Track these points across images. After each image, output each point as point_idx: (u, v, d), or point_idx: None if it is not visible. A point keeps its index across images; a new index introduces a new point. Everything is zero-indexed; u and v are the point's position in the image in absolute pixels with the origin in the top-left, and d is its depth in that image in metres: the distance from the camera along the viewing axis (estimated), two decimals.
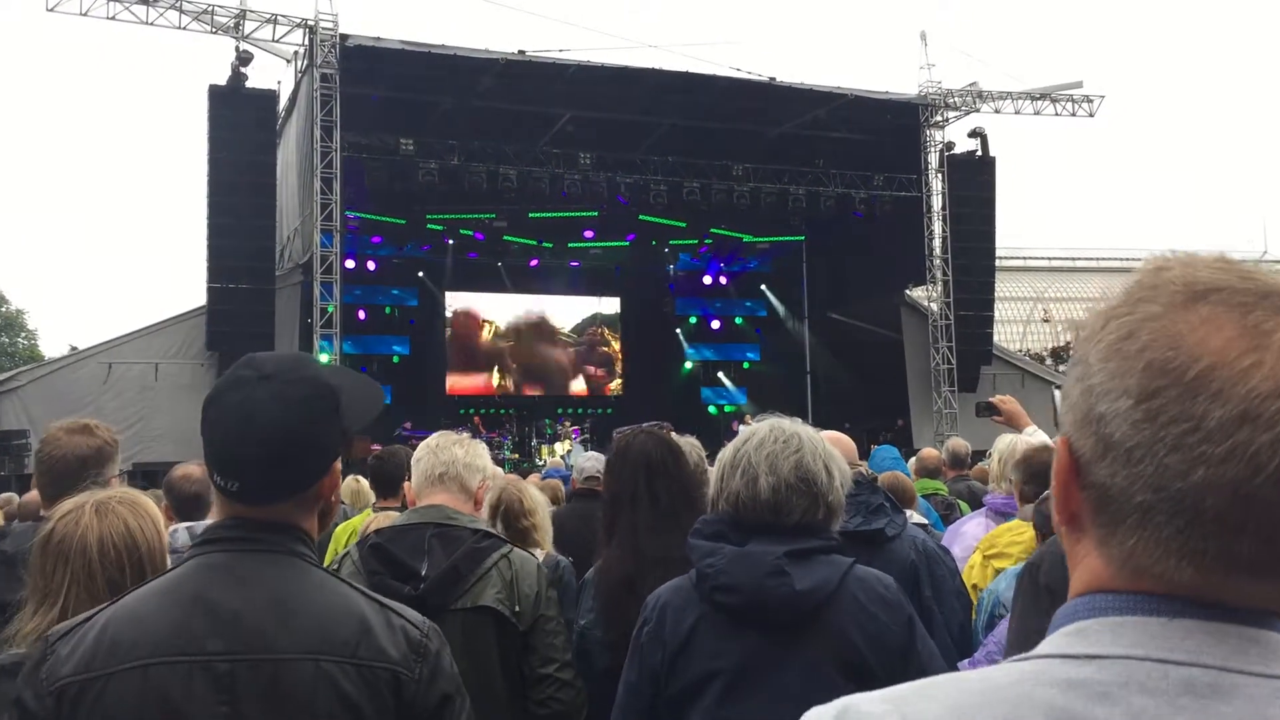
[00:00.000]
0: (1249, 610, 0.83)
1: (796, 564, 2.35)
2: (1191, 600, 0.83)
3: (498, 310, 28.94)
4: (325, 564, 1.97)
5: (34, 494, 5.59)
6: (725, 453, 2.55)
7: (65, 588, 2.18)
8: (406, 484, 3.47)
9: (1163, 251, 0.91)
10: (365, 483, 7.02)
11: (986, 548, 4.15)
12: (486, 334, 28.85)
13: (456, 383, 28.41)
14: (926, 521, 5.49)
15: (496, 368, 28.89)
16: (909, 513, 5.40)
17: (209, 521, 4.25)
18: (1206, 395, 0.79)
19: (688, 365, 31.33)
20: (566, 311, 29.82)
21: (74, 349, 24.10)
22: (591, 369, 30.01)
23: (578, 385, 29.84)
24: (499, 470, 6.44)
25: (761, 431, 2.52)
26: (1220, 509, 0.79)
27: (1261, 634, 0.82)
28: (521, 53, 19.95)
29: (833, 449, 2.56)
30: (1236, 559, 0.81)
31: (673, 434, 3.81)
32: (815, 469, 2.44)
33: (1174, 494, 0.80)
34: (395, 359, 27.43)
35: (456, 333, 28.50)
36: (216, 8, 18.99)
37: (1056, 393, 0.96)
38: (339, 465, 1.87)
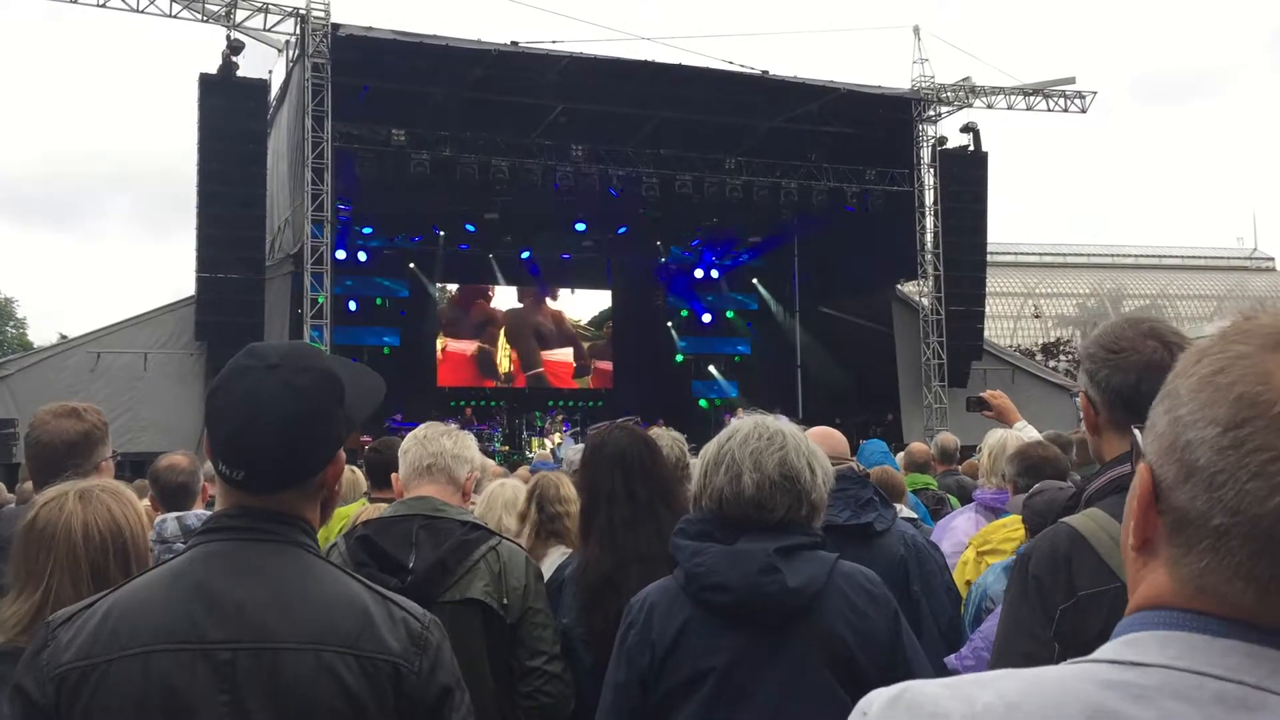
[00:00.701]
0: None
1: (786, 560, 2.34)
2: (1241, 622, 0.89)
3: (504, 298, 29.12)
4: None
5: (30, 483, 5.56)
6: (708, 450, 2.54)
7: (48, 574, 2.17)
8: (395, 475, 3.45)
9: (1255, 303, 0.99)
10: (359, 473, 7.01)
11: (980, 544, 4.14)
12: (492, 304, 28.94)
13: (448, 345, 28.42)
14: (915, 516, 5.50)
15: (492, 345, 28.89)
16: (898, 507, 5.41)
17: (198, 511, 4.25)
18: None
19: (678, 358, 31.34)
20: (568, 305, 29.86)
21: (63, 337, 24.01)
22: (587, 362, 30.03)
23: (568, 377, 29.83)
24: (488, 461, 6.45)
25: (745, 428, 2.52)
26: None
27: None
28: (514, 44, 19.92)
29: (815, 446, 2.56)
30: None
31: (658, 428, 3.80)
32: (799, 466, 2.44)
33: (1250, 518, 0.86)
34: (385, 350, 27.38)
35: (457, 300, 28.57)
36: None
37: (1137, 431, 1.01)
38: (343, 455, 1.87)
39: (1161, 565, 0.94)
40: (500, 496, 4.37)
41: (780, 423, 2.55)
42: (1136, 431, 1.02)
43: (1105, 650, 0.95)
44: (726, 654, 2.34)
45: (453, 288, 28.70)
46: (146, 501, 6.60)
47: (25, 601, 2.16)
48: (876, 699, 0.99)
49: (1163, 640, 0.92)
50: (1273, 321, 0.92)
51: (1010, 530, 4.01)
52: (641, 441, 3.36)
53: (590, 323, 30.15)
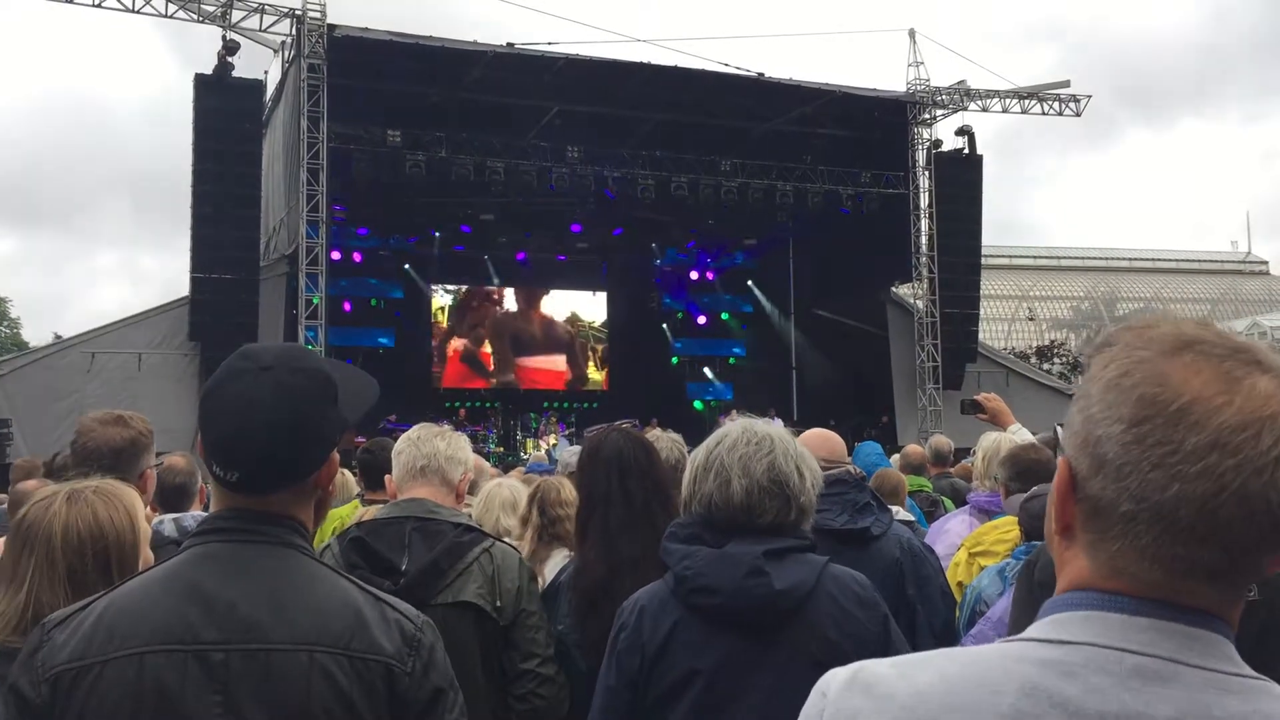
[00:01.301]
0: (1196, 611, 1.00)
1: (774, 563, 2.35)
2: (1153, 600, 1.00)
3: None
4: None
5: (31, 483, 5.52)
6: (697, 454, 2.54)
7: (29, 573, 2.17)
8: (388, 477, 3.44)
9: (1155, 311, 1.06)
10: (348, 474, 6.99)
11: (972, 545, 4.15)
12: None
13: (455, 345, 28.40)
14: (912, 519, 5.50)
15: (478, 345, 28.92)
16: (895, 510, 5.41)
17: (195, 513, 4.25)
18: (1185, 424, 0.96)
19: (673, 360, 31.34)
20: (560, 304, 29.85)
21: (58, 337, 23.97)
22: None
23: (563, 379, 29.82)
24: (484, 462, 6.44)
25: (734, 433, 2.52)
26: (1190, 520, 0.96)
27: (1203, 633, 0.99)
28: (510, 45, 19.91)
29: (804, 449, 2.56)
30: (1198, 564, 0.98)
31: (656, 429, 3.79)
32: (788, 471, 2.45)
33: (1153, 505, 0.97)
34: (380, 351, 27.35)
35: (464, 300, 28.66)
36: None
37: (1059, 428, 1.09)
38: (337, 456, 1.87)
39: (1081, 550, 1.05)
40: (498, 497, 4.36)
41: (769, 427, 2.55)
42: (1059, 428, 1.11)
43: (1035, 629, 1.05)
44: (715, 656, 2.34)
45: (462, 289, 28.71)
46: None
47: (10, 600, 2.16)
48: (834, 679, 1.10)
49: (1084, 620, 1.02)
50: (1171, 330, 1.03)
51: (1002, 532, 4.01)
52: (639, 444, 3.35)
53: (603, 324, 30.11)
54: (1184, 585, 0.99)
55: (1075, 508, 1.04)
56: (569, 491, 4.28)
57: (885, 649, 2.37)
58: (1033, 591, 2.04)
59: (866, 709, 1.03)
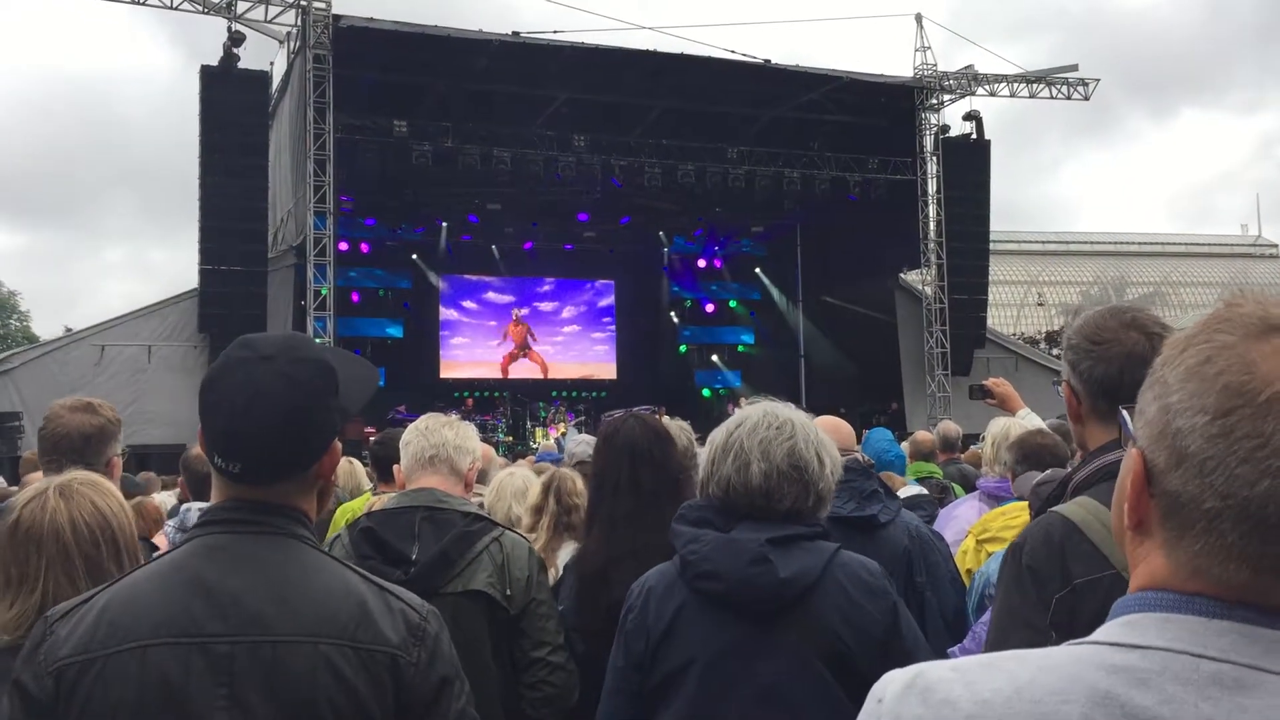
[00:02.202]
0: None
1: (780, 551, 2.32)
2: (1236, 603, 0.93)
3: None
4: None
5: (35, 475, 5.56)
6: (716, 436, 2.50)
7: (43, 573, 2.15)
8: (396, 467, 3.45)
9: (1237, 290, 1.02)
10: (357, 464, 7.01)
11: (980, 532, 4.13)
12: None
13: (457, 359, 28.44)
14: (924, 491, 5.50)
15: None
16: (918, 488, 5.41)
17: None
18: (1276, 415, 0.89)
19: (682, 348, 31.33)
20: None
21: (69, 330, 24.03)
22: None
23: (572, 369, 29.82)
24: (490, 451, 6.44)
25: (754, 416, 2.48)
26: None
27: None
28: (516, 34, 19.88)
29: (825, 435, 2.52)
30: None
31: (665, 417, 3.78)
32: (808, 456, 2.42)
33: (1240, 502, 0.90)
34: (389, 342, 27.40)
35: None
36: None
37: (1126, 413, 1.05)
38: (339, 446, 1.86)
39: (1157, 547, 0.98)
40: (510, 485, 4.35)
41: (789, 411, 2.51)
42: (1125, 413, 1.04)
43: (1106, 631, 0.98)
44: (719, 642, 2.33)
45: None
46: (171, 493, 6.64)
47: (23, 603, 2.13)
48: (890, 685, 1.02)
49: (1161, 622, 0.95)
50: (1255, 309, 0.96)
51: (1010, 518, 4.00)
52: (653, 432, 3.34)
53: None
54: (1273, 586, 0.92)
55: (1151, 503, 0.98)
56: (582, 483, 4.29)
57: (891, 640, 2.35)
58: (1021, 575, 2.03)
59: (925, 717, 0.97)
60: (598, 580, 3.10)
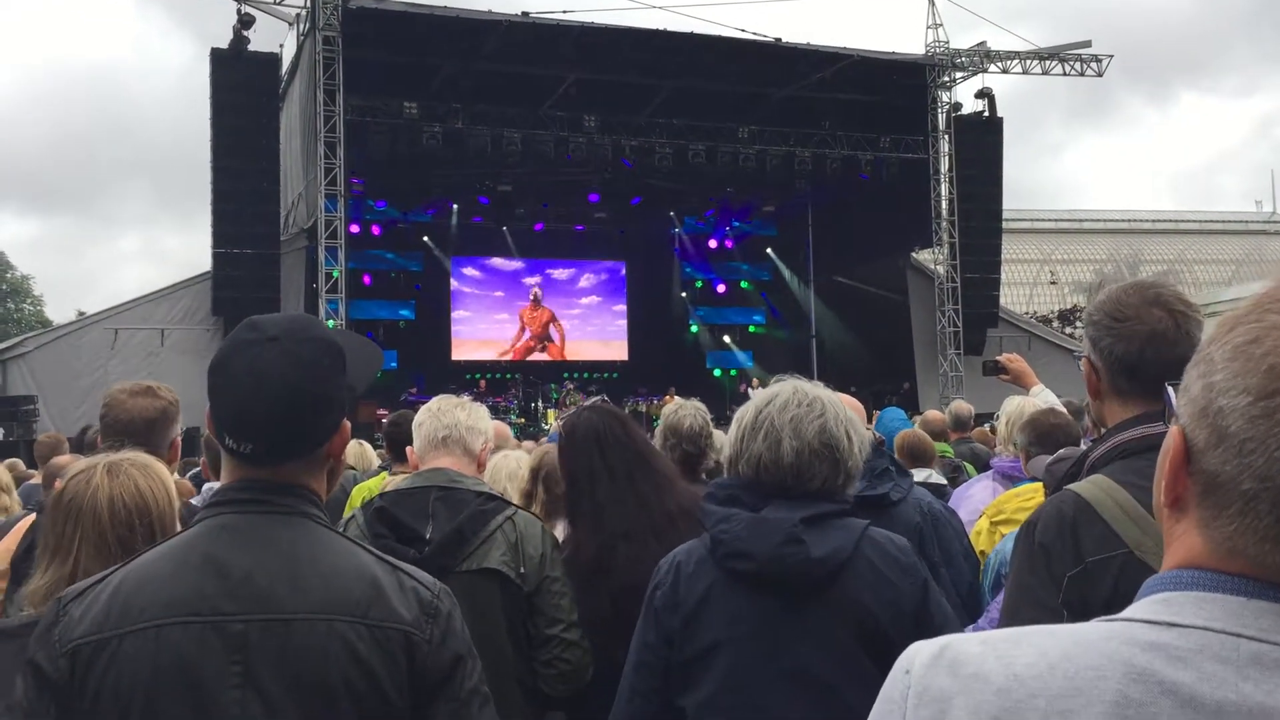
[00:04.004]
0: None
1: (811, 530, 2.31)
2: (1275, 584, 0.91)
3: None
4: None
5: (64, 457, 5.61)
6: (745, 413, 2.48)
7: (76, 545, 2.19)
8: (409, 448, 3.46)
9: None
10: (367, 446, 7.04)
11: (994, 514, 4.13)
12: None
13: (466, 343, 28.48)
14: (944, 482, 5.48)
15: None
16: (930, 473, 5.39)
17: None
18: None
19: (693, 329, 31.31)
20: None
21: (82, 314, 24.14)
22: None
23: (587, 347, 29.84)
24: (505, 429, 6.46)
25: (784, 393, 2.45)
26: None
27: None
28: (525, 14, 19.82)
29: (852, 413, 2.51)
30: None
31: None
32: (838, 434, 2.40)
33: (1279, 485, 0.88)
34: (401, 324, 27.46)
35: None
36: None
37: (1171, 390, 1.03)
38: (348, 425, 1.86)
39: (1194, 526, 0.97)
40: (504, 468, 4.37)
41: (817, 389, 2.49)
42: (1170, 390, 1.03)
43: (1140, 609, 0.97)
44: (751, 621, 2.32)
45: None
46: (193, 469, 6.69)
47: (56, 572, 2.17)
48: (918, 656, 1.00)
49: (1198, 601, 0.94)
50: None
51: (1024, 500, 3.99)
52: (611, 416, 3.39)
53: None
54: None
55: (1189, 481, 0.97)
56: None
57: (923, 616, 2.34)
58: (1033, 553, 2.02)
59: (953, 690, 0.96)
60: (596, 570, 3.12)
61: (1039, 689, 0.93)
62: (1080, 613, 1.90)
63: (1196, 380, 0.97)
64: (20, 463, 8.35)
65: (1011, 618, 2.00)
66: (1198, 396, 0.96)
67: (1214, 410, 0.93)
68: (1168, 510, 1.01)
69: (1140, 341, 2.07)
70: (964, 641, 1.00)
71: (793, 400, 2.43)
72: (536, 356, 29.02)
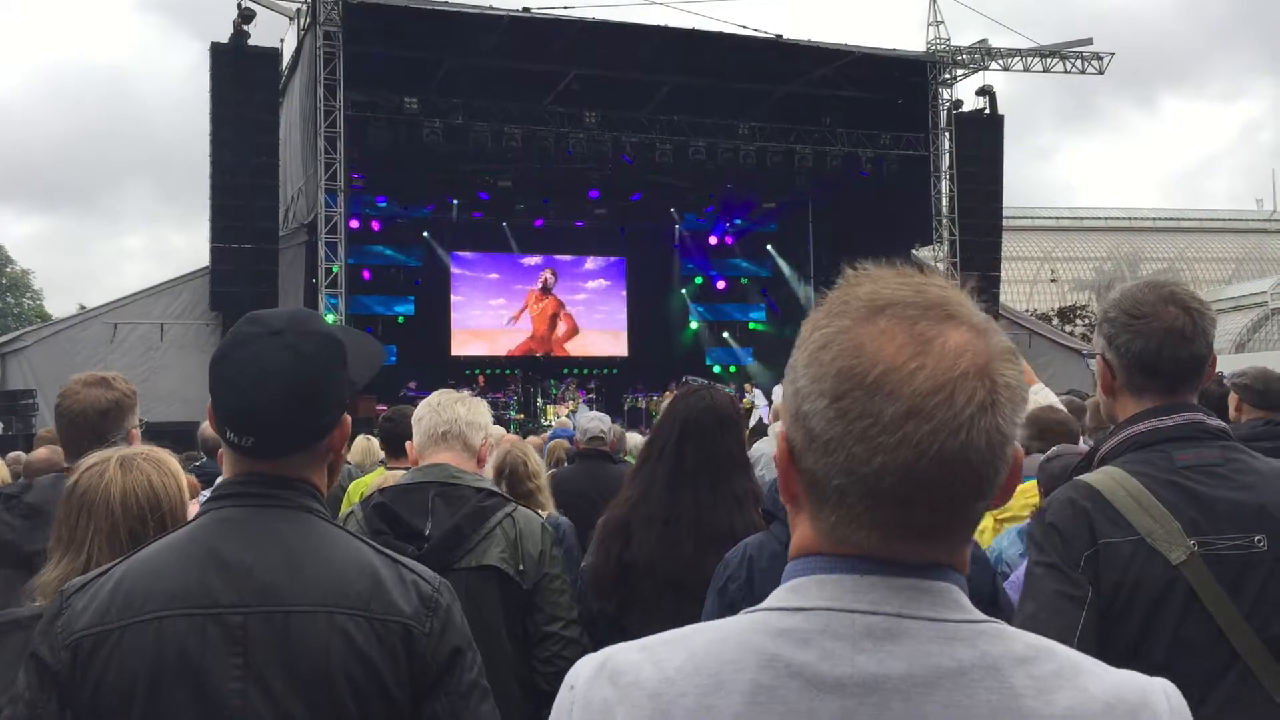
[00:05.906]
0: (923, 565, 1.00)
1: None
2: (880, 560, 1.00)
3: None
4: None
5: (42, 451, 5.61)
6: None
7: (89, 538, 2.20)
8: (409, 443, 3.46)
9: (859, 267, 1.09)
10: (374, 441, 7.05)
11: (998, 510, 4.14)
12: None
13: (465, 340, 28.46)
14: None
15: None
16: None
17: None
18: (882, 395, 0.96)
19: (693, 325, 31.29)
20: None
21: (82, 308, 24.14)
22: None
23: (583, 346, 29.80)
24: (500, 429, 6.47)
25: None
26: (895, 487, 0.96)
27: (931, 584, 1.00)
28: (526, 10, 19.79)
29: None
30: (910, 527, 0.99)
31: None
32: None
33: (861, 477, 0.97)
34: (400, 319, 27.43)
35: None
36: None
37: (1090, 361, 1.04)
38: (348, 419, 1.88)
39: (807, 518, 1.05)
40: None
41: None
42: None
43: (774, 597, 1.04)
44: None
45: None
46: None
47: (68, 565, 2.17)
48: (582, 670, 1.06)
49: (820, 584, 1.02)
50: (870, 289, 1.02)
51: (1028, 496, 4.00)
52: (713, 412, 3.28)
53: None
54: (902, 546, 0.99)
55: (798, 477, 1.04)
56: (535, 462, 4.34)
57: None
58: (1047, 532, 2.06)
59: (614, 700, 1.01)
60: (620, 532, 3.15)
61: (688, 688, 0.98)
62: (1099, 592, 1.93)
63: (787, 386, 1.05)
64: (23, 455, 8.35)
65: (1031, 594, 2.03)
66: (789, 401, 1.04)
67: (801, 414, 1.01)
68: (790, 506, 1.09)
69: (1158, 338, 2.11)
70: (624, 651, 1.05)
71: None
72: (538, 350, 28.95)
